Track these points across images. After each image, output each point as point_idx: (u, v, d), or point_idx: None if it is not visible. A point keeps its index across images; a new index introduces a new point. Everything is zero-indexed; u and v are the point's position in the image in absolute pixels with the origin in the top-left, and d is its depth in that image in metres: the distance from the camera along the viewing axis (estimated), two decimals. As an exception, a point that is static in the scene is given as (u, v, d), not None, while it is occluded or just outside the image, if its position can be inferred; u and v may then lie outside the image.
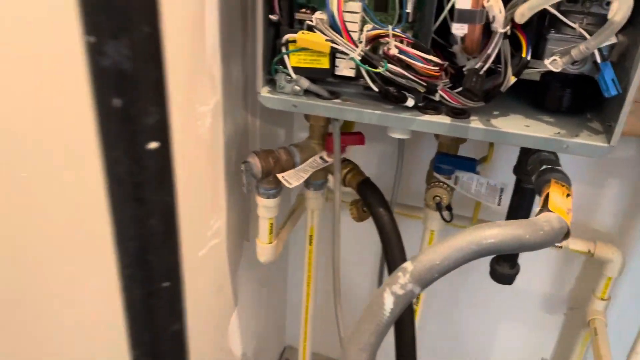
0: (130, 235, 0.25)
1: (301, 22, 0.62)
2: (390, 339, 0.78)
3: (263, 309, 1.12)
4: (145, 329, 0.28)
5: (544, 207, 0.57)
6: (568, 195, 0.61)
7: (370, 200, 0.73)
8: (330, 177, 0.86)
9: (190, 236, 0.74)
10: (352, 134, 0.79)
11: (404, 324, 0.76)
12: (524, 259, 0.86)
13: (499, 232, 0.52)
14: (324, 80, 0.65)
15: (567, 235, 0.56)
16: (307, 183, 0.86)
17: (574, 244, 0.92)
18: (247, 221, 0.92)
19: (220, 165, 0.77)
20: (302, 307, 1.00)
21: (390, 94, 0.60)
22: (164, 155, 0.24)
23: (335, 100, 0.65)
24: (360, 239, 1.09)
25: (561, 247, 0.93)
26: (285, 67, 0.64)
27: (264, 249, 0.85)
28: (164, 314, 0.28)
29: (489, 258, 0.86)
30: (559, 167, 0.65)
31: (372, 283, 1.14)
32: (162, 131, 0.23)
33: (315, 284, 0.97)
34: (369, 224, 1.01)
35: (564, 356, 1.09)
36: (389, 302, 0.53)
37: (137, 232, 0.25)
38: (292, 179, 0.76)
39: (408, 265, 0.53)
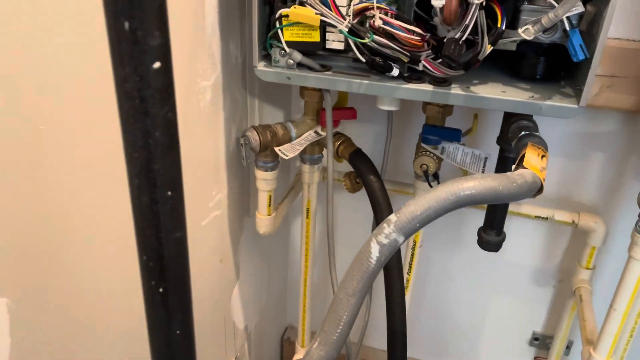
0: (138, 147, 0.30)
1: (294, -1, 0.67)
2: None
3: (265, 285, 1.16)
4: (152, 235, 0.33)
5: (519, 164, 0.62)
6: (543, 156, 0.65)
7: (361, 168, 0.78)
8: (325, 152, 0.91)
9: (193, 205, 0.79)
10: (344, 109, 0.84)
11: (393, 291, 0.80)
12: (512, 233, 0.90)
13: (476, 184, 0.56)
14: (315, 54, 0.70)
15: (540, 190, 0.60)
16: (303, 158, 0.91)
17: (558, 215, 0.96)
18: (248, 196, 0.96)
19: (221, 138, 0.81)
20: (300, 281, 1.05)
21: (377, 63, 0.64)
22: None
23: (326, 72, 0.69)
24: (355, 213, 1.14)
25: (547, 218, 0.97)
26: (279, 42, 0.69)
27: (263, 220, 0.90)
28: (167, 221, 0.33)
29: (475, 230, 0.91)
30: (537, 134, 0.70)
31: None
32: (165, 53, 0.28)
33: (313, 257, 1.01)
34: (363, 199, 1.06)
35: (553, 329, 1.13)
36: (375, 251, 0.57)
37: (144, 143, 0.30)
38: (288, 151, 0.81)
39: (392, 217, 0.57)
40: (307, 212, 0.96)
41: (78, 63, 0.50)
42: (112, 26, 0.27)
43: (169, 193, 0.32)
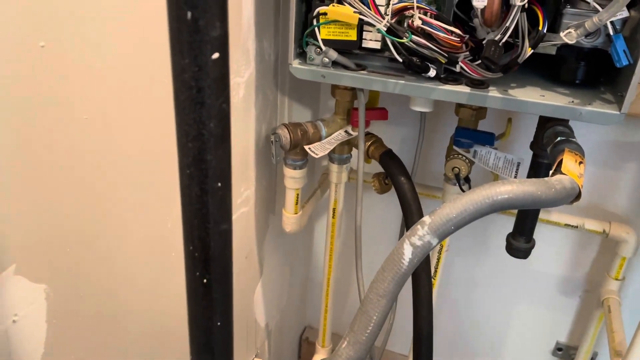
0: (192, 137, 0.30)
1: (332, -3, 0.67)
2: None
3: (287, 284, 1.16)
4: (200, 225, 0.33)
5: (557, 170, 0.61)
6: (581, 163, 0.64)
7: (391, 169, 0.77)
8: (354, 152, 0.90)
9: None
10: (376, 109, 0.83)
11: (421, 294, 0.79)
12: (540, 240, 0.89)
13: (513, 188, 0.55)
14: (351, 53, 0.70)
15: (578, 196, 0.59)
16: (332, 157, 0.90)
17: (589, 224, 0.94)
18: (274, 194, 0.96)
19: (251, 135, 0.82)
20: (323, 281, 1.04)
21: (414, 63, 0.64)
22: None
23: (361, 72, 0.69)
24: (381, 214, 1.13)
25: (577, 227, 0.95)
26: (315, 39, 0.69)
27: (290, 219, 0.90)
28: (215, 212, 0.33)
29: (504, 236, 0.90)
30: (574, 139, 0.69)
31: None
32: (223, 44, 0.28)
33: (337, 258, 1.01)
34: (390, 201, 1.06)
35: (578, 339, 1.11)
36: (407, 252, 0.57)
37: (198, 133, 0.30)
38: (318, 150, 0.81)
39: (426, 218, 0.57)
40: (333, 212, 0.96)
41: (125, 55, 0.50)
42: (175, 15, 0.27)
43: (219, 184, 0.32)
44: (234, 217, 0.83)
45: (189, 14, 0.26)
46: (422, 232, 0.56)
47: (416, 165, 0.90)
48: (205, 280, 0.34)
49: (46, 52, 0.41)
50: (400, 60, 0.65)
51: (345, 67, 0.70)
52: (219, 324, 0.36)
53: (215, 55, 0.28)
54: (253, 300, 0.99)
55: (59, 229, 0.48)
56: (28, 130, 0.42)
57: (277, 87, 0.87)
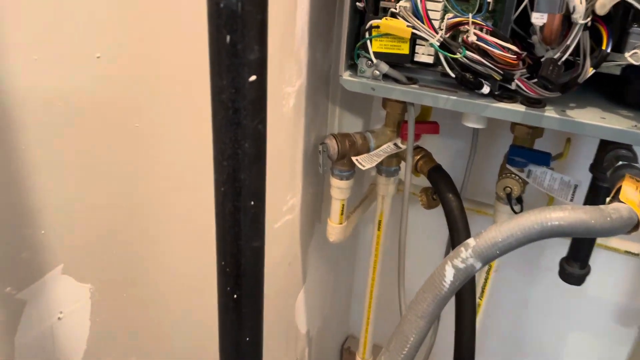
0: (227, 155, 0.30)
1: (385, 10, 0.66)
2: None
3: (329, 292, 1.16)
4: (232, 242, 0.33)
5: (614, 197, 0.57)
6: (642, 190, 0.60)
7: (440, 185, 0.75)
8: (402, 165, 0.89)
9: (267, 208, 0.80)
10: (427, 123, 0.82)
11: (464, 317, 0.77)
12: (597, 266, 0.84)
13: (565, 215, 0.53)
14: (402, 66, 0.69)
15: (636, 227, 0.56)
16: (379, 169, 0.89)
17: (652, 252, 0.89)
18: (320, 203, 0.96)
19: (300, 144, 0.82)
20: (366, 293, 1.03)
21: (467, 79, 0.62)
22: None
23: (412, 85, 0.68)
24: (428, 230, 1.11)
25: (638, 254, 0.90)
26: (367, 52, 0.68)
27: (334, 228, 0.90)
28: (248, 229, 0.33)
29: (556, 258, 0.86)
30: (636, 165, 0.65)
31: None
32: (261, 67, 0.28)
33: (381, 270, 1.00)
34: (438, 217, 1.03)
35: (635, 373, 1.05)
36: (449, 274, 0.55)
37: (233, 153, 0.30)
38: (365, 162, 0.80)
39: (471, 241, 0.55)
40: (379, 224, 0.95)
41: (174, 69, 0.52)
42: (214, 38, 0.27)
43: (252, 202, 0.32)
44: (279, 224, 0.84)
45: (228, 38, 0.27)
46: (465, 255, 0.54)
47: (467, 180, 0.88)
48: (235, 296, 0.35)
49: (102, 62, 0.43)
50: (453, 75, 0.63)
51: (396, 81, 0.69)
52: (247, 339, 0.37)
53: (253, 78, 0.28)
54: (295, 307, 1.00)
55: (105, 231, 0.49)
56: (81, 136, 0.44)
57: (329, 97, 0.87)
